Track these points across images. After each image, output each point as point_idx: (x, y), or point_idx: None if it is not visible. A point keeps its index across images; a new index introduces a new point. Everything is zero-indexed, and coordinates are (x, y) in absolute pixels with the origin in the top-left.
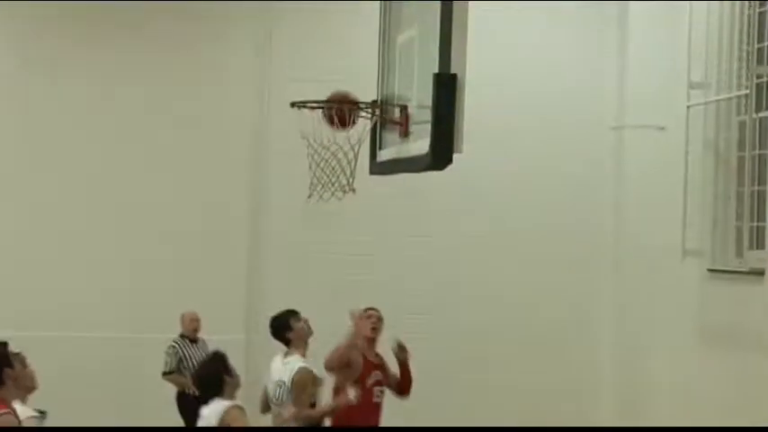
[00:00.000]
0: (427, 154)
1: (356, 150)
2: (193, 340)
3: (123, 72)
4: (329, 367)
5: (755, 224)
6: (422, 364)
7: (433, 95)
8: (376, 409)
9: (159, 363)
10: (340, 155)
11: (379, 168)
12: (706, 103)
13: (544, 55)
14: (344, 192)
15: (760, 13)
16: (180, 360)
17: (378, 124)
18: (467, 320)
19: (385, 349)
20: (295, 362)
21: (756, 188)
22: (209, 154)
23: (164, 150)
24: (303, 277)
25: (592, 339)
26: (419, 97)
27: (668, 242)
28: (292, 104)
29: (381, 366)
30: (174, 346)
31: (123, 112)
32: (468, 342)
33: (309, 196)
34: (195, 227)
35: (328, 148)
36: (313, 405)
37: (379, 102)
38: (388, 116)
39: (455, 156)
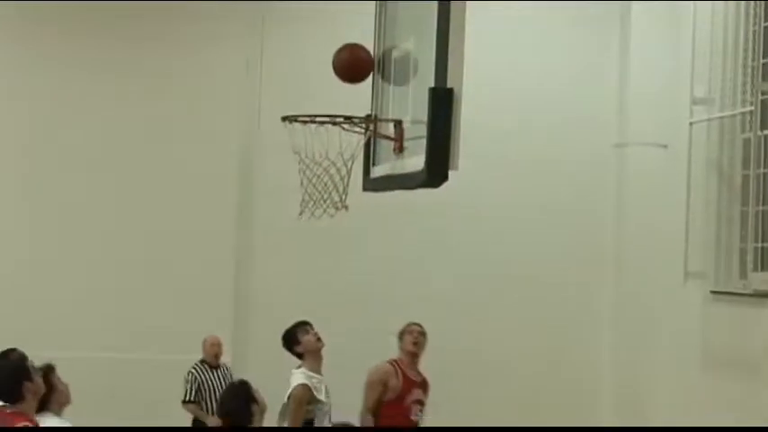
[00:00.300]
0: (422, 170)
1: (349, 166)
2: (214, 366)
3: (109, 82)
4: (369, 385)
5: (760, 245)
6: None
7: (428, 110)
8: (414, 428)
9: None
10: (332, 170)
11: (372, 185)
12: (709, 120)
13: (543, 72)
14: (337, 209)
15: (765, 28)
16: (199, 387)
17: (372, 139)
18: (465, 337)
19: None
20: (296, 378)
21: (761, 208)
22: (198, 171)
23: (150, 169)
24: (293, 293)
25: (592, 363)
26: (414, 112)
27: (670, 263)
28: (283, 119)
29: (422, 384)
30: (192, 372)
31: (108, 124)
32: (465, 362)
33: (301, 213)
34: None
35: (320, 164)
36: (310, 422)
37: (373, 116)
38: (383, 131)
39: (451, 173)
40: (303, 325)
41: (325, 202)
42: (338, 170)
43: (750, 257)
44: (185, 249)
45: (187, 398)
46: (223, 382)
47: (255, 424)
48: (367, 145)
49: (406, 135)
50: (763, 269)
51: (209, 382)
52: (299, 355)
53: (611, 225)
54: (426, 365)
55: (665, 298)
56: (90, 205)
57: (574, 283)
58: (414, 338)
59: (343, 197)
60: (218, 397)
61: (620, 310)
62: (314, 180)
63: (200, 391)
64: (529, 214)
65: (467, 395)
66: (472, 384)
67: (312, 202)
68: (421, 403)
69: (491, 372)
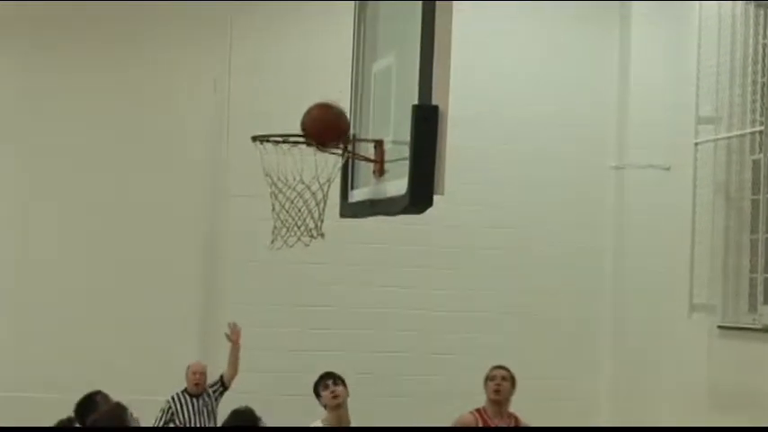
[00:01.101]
0: (405, 195)
1: (325, 190)
2: (194, 395)
3: (69, 100)
4: None
5: None
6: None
7: (411, 130)
8: None
9: None
10: (307, 195)
11: (351, 210)
12: (716, 140)
13: (536, 85)
14: (312, 237)
15: None
16: (171, 416)
17: (350, 161)
18: (456, 371)
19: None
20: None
21: None
22: (163, 193)
23: (112, 191)
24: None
25: (589, 402)
26: (396, 131)
27: (674, 295)
28: (254, 138)
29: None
30: (168, 401)
31: (66, 145)
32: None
33: (273, 242)
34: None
35: (293, 188)
36: None
37: (351, 136)
38: (362, 152)
39: (436, 198)
40: (324, 379)
41: (299, 228)
42: (314, 195)
43: (760, 289)
44: (150, 279)
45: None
46: (204, 411)
47: None
48: (345, 167)
49: (387, 156)
50: None
51: (186, 413)
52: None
53: (609, 254)
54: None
55: (669, 332)
56: (44, 227)
57: (570, 318)
58: (495, 386)
59: (319, 224)
60: (194, 426)
61: (619, 346)
62: (287, 205)
63: (174, 422)
64: (520, 244)
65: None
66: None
67: (285, 230)
68: None
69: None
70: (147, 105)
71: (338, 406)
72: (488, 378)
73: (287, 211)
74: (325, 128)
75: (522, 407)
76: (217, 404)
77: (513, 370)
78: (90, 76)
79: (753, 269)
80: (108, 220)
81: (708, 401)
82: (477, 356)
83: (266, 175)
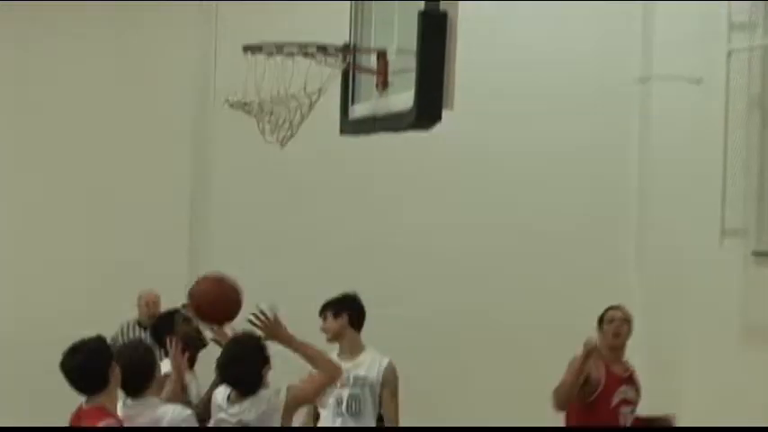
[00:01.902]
0: (411, 110)
1: (313, 100)
2: (146, 326)
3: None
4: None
5: None
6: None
7: (417, 38)
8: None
9: None
10: (293, 105)
11: (352, 127)
12: (751, 49)
13: None
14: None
15: None
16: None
17: (350, 73)
18: (470, 299)
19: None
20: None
21: None
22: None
23: (101, 113)
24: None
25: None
26: (401, 40)
27: (704, 220)
28: (245, 49)
29: (630, 380)
30: (119, 332)
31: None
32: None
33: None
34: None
35: (284, 102)
36: None
37: (351, 46)
38: (363, 64)
39: (445, 113)
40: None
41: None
42: (300, 105)
43: None
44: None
45: None
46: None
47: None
48: (345, 80)
49: (392, 68)
50: None
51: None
52: None
53: (634, 175)
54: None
55: (699, 260)
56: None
57: (591, 241)
58: (615, 329)
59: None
60: None
61: (645, 274)
62: (275, 119)
63: None
64: (538, 162)
65: (473, 363)
66: (478, 351)
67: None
68: (630, 403)
69: (499, 337)
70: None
71: (329, 340)
72: (605, 320)
73: (275, 124)
74: (215, 304)
75: (537, 332)
76: None
77: (531, 300)
78: None
79: None
80: (91, 145)
81: (740, 336)
82: (490, 274)
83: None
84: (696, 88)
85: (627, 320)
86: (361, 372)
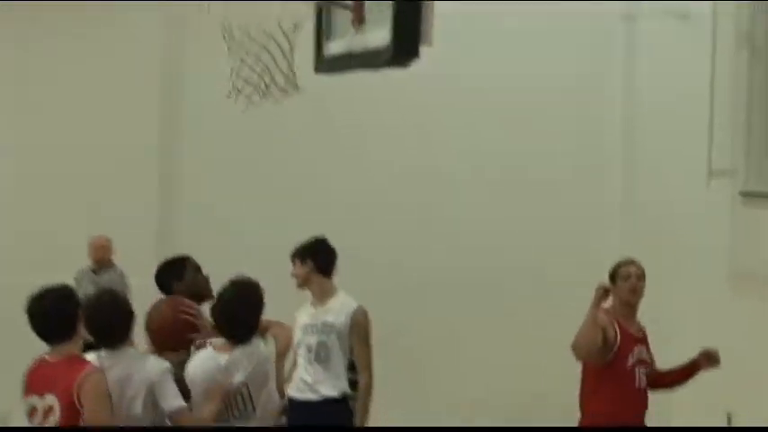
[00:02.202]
0: (388, 46)
1: (290, 39)
2: (96, 271)
3: None
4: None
5: None
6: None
7: None
8: (641, 397)
9: None
10: (272, 46)
11: (327, 65)
12: None
13: None
14: (285, 92)
15: None
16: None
17: (323, 8)
18: (448, 249)
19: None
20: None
21: None
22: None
23: (101, 113)
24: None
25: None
26: None
27: (691, 159)
28: None
29: (644, 341)
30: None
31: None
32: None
33: (229, 95)
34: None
35: (255, 40)
36: None
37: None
38: None
39: (423, 49)
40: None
41: (267, 87)
42: (279, 45)
43: None
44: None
45: None
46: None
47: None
48: (318, 15)
49: (367, 2)
50: None
51: (87, 290)
52: None
53: (618, 114)
54: (403, 283)
55: (685, 201)
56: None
57: (576, 184)
58: (631, 285)
59: (291, 76)
60: None
61: (629, 216)
62: (249, 61)
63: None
64: (517, 98)
65: (455, 314)
66: (460, 301)
67: (251, 88)
68: (645, 364)
69: (481, 284)
70: None
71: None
72: (619, 276)
73: (250, 68)
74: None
75: (517, 280)
76: None
77: (517, 244)
78: None
79: None
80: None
81: (729, 276)
82: (469, 221)
83: (225, 29)
84: (682, 25)
85: (642, 276)
86: (330, 318)
